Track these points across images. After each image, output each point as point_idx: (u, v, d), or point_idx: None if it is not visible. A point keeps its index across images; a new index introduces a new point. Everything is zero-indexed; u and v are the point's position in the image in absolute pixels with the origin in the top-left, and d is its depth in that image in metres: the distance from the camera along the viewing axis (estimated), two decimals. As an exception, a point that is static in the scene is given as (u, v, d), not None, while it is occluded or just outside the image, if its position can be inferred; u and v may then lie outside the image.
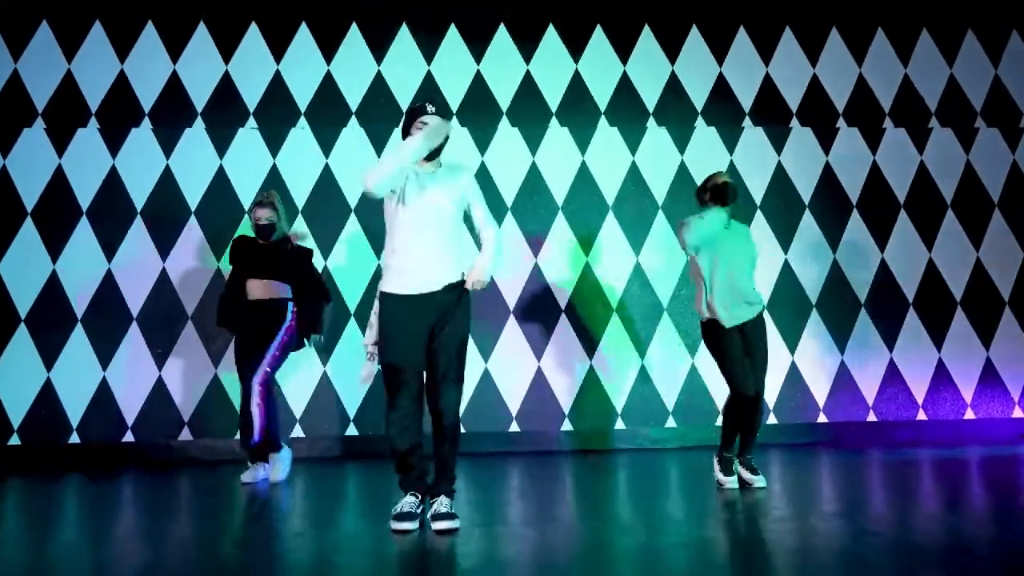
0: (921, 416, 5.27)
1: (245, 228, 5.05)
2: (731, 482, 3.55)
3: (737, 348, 3.53)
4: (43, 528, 2.99)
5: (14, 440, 4.83)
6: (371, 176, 2.73)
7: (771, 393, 5.20)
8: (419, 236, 2.81)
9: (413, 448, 2.80)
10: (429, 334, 2.80)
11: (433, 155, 2.90)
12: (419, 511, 2.80)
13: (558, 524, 2.87)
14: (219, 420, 4.91)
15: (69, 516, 3.30)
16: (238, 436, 4.15)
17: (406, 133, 2.92)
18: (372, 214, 5.16)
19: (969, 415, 5.29)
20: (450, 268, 2.85)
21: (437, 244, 2.82)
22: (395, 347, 2.79)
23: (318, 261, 4.98)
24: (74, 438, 4.86)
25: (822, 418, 5.23)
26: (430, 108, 2.88)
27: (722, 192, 3.56)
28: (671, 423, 5.15)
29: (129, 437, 4.89)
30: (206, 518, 3.16)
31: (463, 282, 2.87)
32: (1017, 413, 5.31)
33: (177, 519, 3.15)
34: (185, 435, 4.91)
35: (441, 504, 2.77)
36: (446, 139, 2.86)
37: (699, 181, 5.28)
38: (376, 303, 2.95)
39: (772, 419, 5.20)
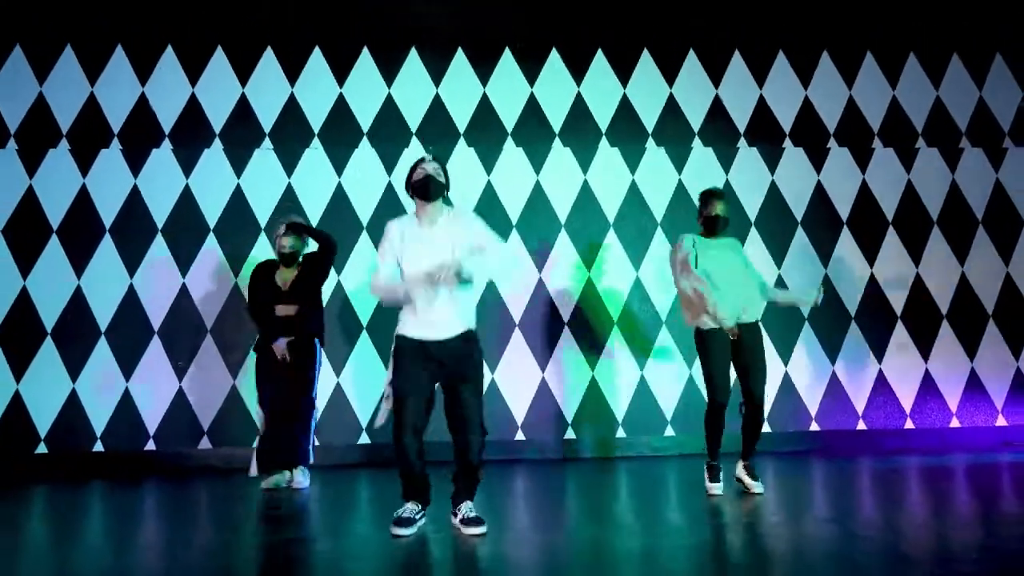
0: (909, 424, 5.51)
1: (264, 248, 5.29)
2: (717, 488, 3.74)
3: (724, 353, 3.73)
4: (71, 535, 3.20)
5: (41, 448, 5.05)
6: (375, 290, 3.10)
7: (766, 402, 5.41)
8: (428, 289, 2.97)
9: (422, 468, 3.01)
10: (438, 377, 3.00)
11: (434, 196, 3.05)
12: (419, 517, 3.00)
13: (565, 529, 3.10)
14: (237, 429, 5.12)
15: (96, 523, 3.51)
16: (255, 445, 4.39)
17: (409, 181, 3.10)
18: (382, 232, 5.36)
19: (955, 423, 5.53)
20: (462, 317, 3.02)
21: (446, 295, 2.97)
22: (405, 379, 2.96)
23: (330, 278, 5.19)
24: (98, 446, 5.08)
25: (814, 426, 5.46)
26: (428, 156, 3.11)
27: (712, 225, 3.81)
28: (670, 432, 5.37)
29: (151, 446, 5.10)
30: (229, 525, 3.38)
31: (471, 331, 3.06)
32: (1000, 422, 5.55)
33: (203, 526, 3.37)
34: (204, 444, 5.12)
35: (469, 509, 2.98)
36: (446, 182, 3.08)
37: (696, 199, 5.52)
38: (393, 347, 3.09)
39: (767, 427, 5.42)
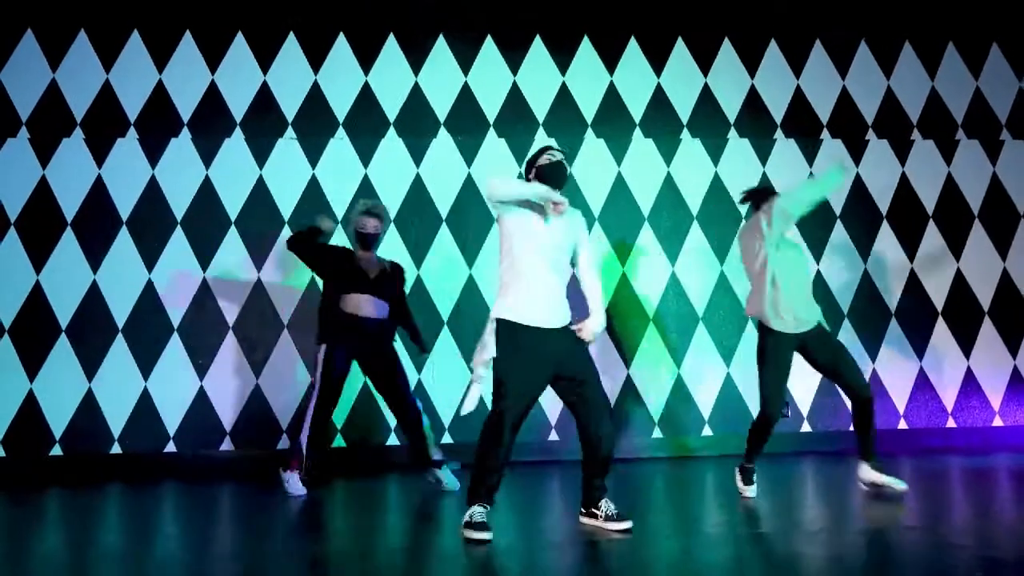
0: (951, 423, 5.37)
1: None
2: (750, 491, 3.65)
3: (785, 363, 3.59)
4: (88, 541, 3.01)
5: (56, 450, 4.83)
6: (499, 187, 2.94)
7: (804, 402, 5.28)
8: (545, 274, 2.98)
9: (504, 466, 2.92)
10: (553, 369, 2.95)
11: (561, 183, 3.07)
12: (487, 520, 2.88)
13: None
14: (261, 430, 4.92)
15: (114, 526, 3.32)
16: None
17: (533, 163, 3.10)
18: (409, 223, 5.20)
19: (997, 422, 5.40)
20: (567, 308, 3.07)
21: (558, 284, 3.03)
22: (519, 376, 2.89)
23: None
24: (115, 448, 4.87)
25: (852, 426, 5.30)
26: (556, 147, 3.14)
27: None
28: (707, 431, 5.22)
29: (171, 447, 4.90)
30: (257, 531, 3.20)
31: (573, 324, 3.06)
32: (1044, 420, 5.42)
33: (231, 528, 3.19)
34: (227, 445, 4.92)
35: (611, 507, 2.97)
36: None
37: (732, 192, 5.41)
38: (492, 324, 2.99)
39: (805, 426, 5.28)
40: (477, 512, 2.86)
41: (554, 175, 3.04)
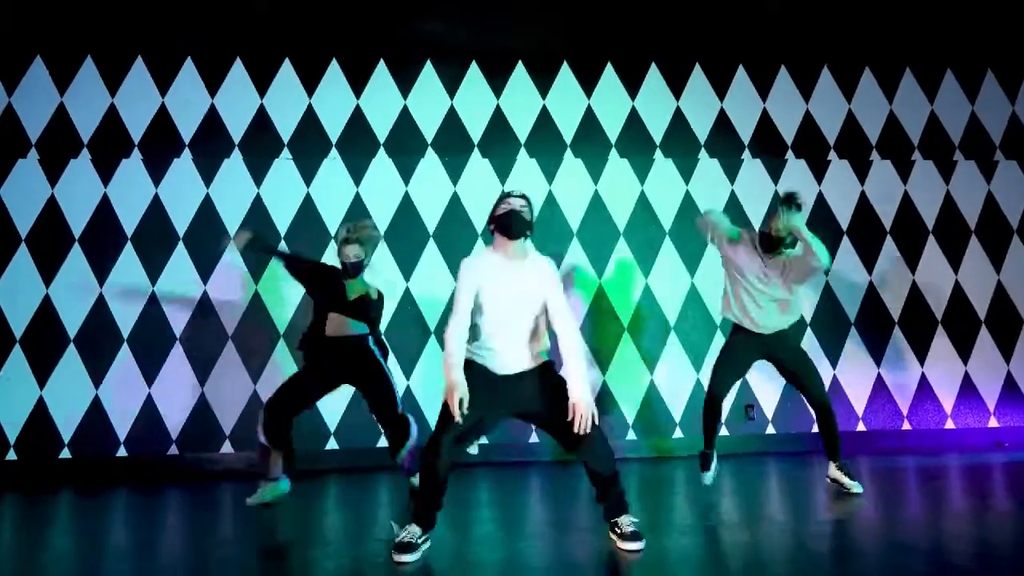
0: (906, 426, 5.74)
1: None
2: (707, 478, 3.94)
3: (740, 356, 3.93)
4: (100, 539, 3.31)
5: (65, 453, 5.13)
6: (450, 341, 2.84)
7: (769, 405, 5.64)
8: (506, 327, 2.90)
9: (444, 490, 2.87)
10: (511, 406, 2.94)
11: (517, 234, 2.93)
12: (422, 542, 2.82)
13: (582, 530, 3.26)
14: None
15: (123, 528, 3.62)
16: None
17: (493, 213, 2.99)
18: (399, 240, 5.53)
19: (949, 425, 5.77)
20: (535, 354, 2.97)
21: (522, 335, 2.92)
22: (470, 404, 2.77)
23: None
24: (121, 451, 5.17)
25: (815, 428, 5.65)
26: (516, 192, 3.00)
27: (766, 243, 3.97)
28: (679, 433, 5.56)
29: (174, 450, 5.20)
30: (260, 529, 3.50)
31: (549, 363, 3.00)
32: (992, 423, 5.79)
33: (236, 529, 3.49)
34: (227, 448, 5.23)
35: (626, 525, 2.88)
36: (531, 221, 2.97)
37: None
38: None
39: (770, 429, 5.64)
40: (411, 532, 2.82)
41: (508, 225, 2.90)
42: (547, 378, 2.97)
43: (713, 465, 3.97)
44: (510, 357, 2.92)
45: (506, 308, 2.90)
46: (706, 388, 3.99)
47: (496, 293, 2.90)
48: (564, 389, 2.84)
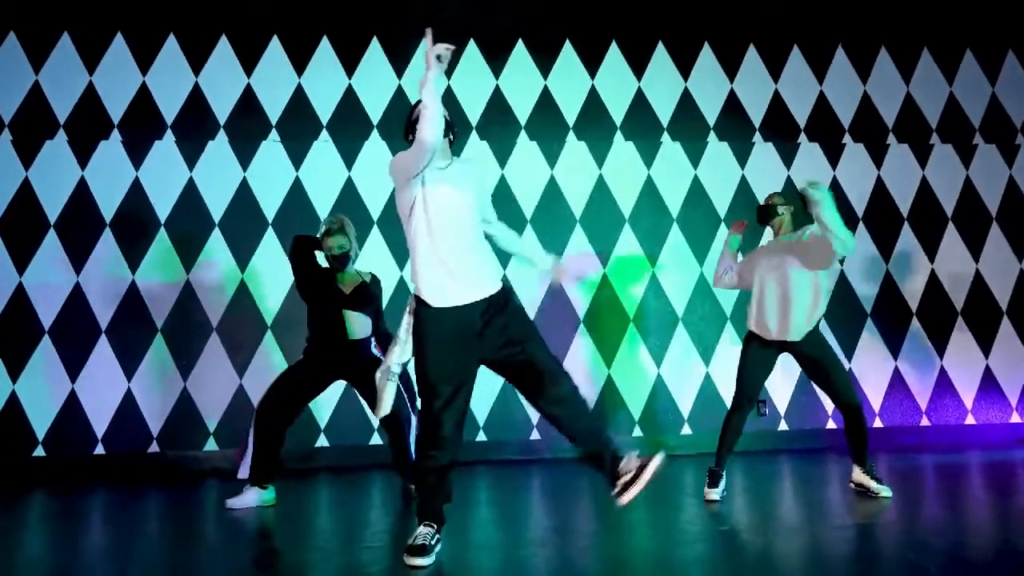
0: (925, 422, 5.48)
1: (272, 242, 5.13)
2: (713, 494, 3.62)
3: (759, 366, 3.67)
4: (75, 542, 3.05)
5: (39, 452, 4.85)
6: (427, 130, 2.49)
7: (782, 401, 5.38)
8: (447, 241, 2.63)
9: (450, 464, 2.64)
10: (481, 350, 2.64)
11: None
12: (435, 543, 2.58)
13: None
14: (245, 429, 4.94)
15: (99, 529, 3.36)
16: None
17: (409, 120, 2.80)
18: (393, 225, 5.25)
19: (970, 420, 5.51)
20: (490, 275, 2.71)
21: (469, 248, 2.68)
22: (440, 362, 2.58)
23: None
24: (99, 449, 4.89)
25: (831, 424, 5.41)
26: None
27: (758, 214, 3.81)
28: (687, 430, 5.30)
29: (154, 448, 4.92)
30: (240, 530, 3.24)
31: (506, 290, 2.72)
32: (1015, 419, 5.54)
33: (214, 531, 3.23)
34: (211, 446, 4.95)
35: (632, 459, 2.63)
36: (451, 130, 2.82)
37: (712, 194, 5.52)
38: (406, 317, 2.76)
39: (783, 425, 5.38)
40: (422, 534, 2.58)
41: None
42: (506, 308, 2.69)
43: (722, 484, 3.68)
44: (463, 284, 2.65)
45: (443, 219, 2.68)
46: (715, 383, 3.74)
47: (436, 188, 2.68)
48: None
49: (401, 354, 2.77)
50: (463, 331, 2.62)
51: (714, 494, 3.63)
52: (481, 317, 2.63)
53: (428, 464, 2.61)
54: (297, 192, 5.24)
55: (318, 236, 3.89)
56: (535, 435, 5.18)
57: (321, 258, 4.00)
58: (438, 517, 2.65)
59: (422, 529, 2.60)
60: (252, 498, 3.71)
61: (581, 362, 5.27)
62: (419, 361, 2.63)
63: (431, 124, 2.49)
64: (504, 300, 2.70)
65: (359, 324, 3.84)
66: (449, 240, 2.64)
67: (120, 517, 3.63)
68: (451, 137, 2.86)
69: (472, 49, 5.55)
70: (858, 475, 3.65)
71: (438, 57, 2.52)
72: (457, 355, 2.61)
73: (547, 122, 5.51)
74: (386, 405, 2.76)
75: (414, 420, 3.83)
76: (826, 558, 2.56)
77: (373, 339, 3.97)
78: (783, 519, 3.21)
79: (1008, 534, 2.79)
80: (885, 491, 3.55)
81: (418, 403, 2.78)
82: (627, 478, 2.59)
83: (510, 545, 2.87)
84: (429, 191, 2.66)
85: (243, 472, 3.75)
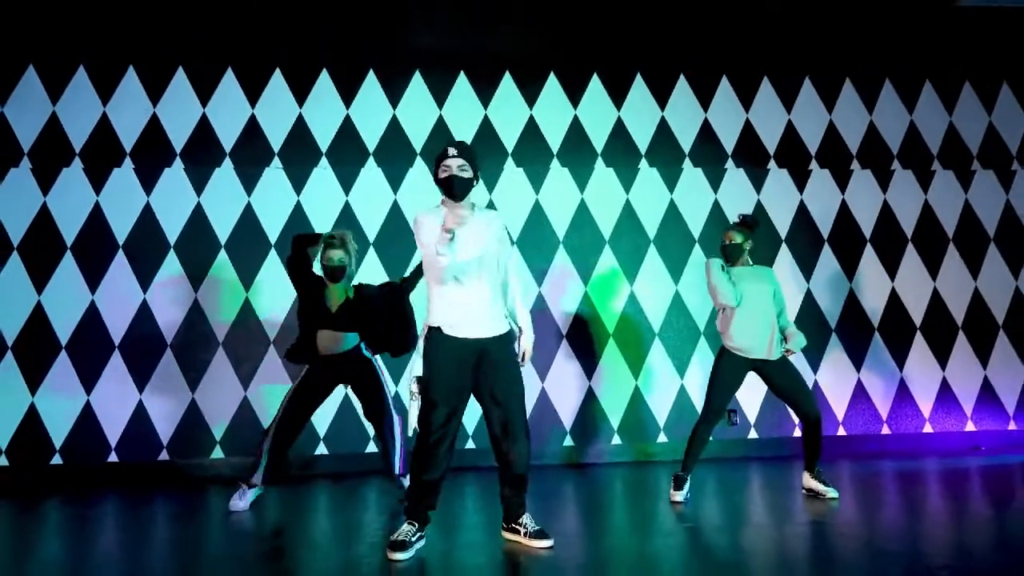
0: (885, 430, 5.86)
1: (274, 263, 5.47)
2: (678, 496, 3.98)
3: (733, 382, 4.03)
4: (88, 543, 3.38)
5: (56, 460, 5.18)
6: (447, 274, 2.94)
7: (752, 411, 5.74)
8: (464, 286, 2.97)
9: (441, 478, 3.00)
10: (475, 381, 3.00)
11: (461, 196, 2.99)
12: (415, 540, 2.94)
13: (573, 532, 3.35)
14: (249, 438, 5.29)
15: (112, 532, 3.69)
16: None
17: (435, 178, 3.09)
18: (388, 247, 5.61)
19: (928, 429, 5.89)
20: (502, 315, 3.06)
21: (482, 293, 2.98)
22: (443, 386, 2.93)
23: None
24: (112, 457, 5.22)
25: (797, 432, 5.77)
26: (452, 151, 3.00)
27: (726, 254, 4.13)
28: (663, 438, 5.66)
29: (164, 456, 5.26)
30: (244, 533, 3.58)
31: (510, 333, 3.09)
32: (970, 427, 5.92)
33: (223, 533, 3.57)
34: (217, 453, 5.29)
35: (533, 522, 3.05)
36: (474, 175, 3.04)
37: (687, 217, 5.88)
38: (422, 342, 3.05)
39: (753, 433, 5.74)
40: (405, 531, 2.93)
41: (447, 189, 3.00)
42: (509, 349, 3.03)
43: (686, 487, 4.03)
44: (480, 317, 3.00)
45: (461, 268, 2.97)
46: (689, 394, 4.07)
47: (447, 252, 2.91)
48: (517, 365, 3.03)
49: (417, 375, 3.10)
50: (464, 361, 2.97)
51: (679, 496, 3.98)
52: (480, 354, 2.99)
53: (422, 478, 2.98)
54: (298, 215, 5.60)
55: (320, 242, 4.14)
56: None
57: (316, 265, 4.31)
58: (422, 519, 3.02)
59: (405, 527, 2.95)
60: (250, 497, 4.07)
61: (563, 374, 5.63)
62: (427, 380, 2.98)
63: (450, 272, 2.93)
64: (502, 345, 3.02)
65: (344, 337, 4.11)
66: (468, 280, 2.98)
67: (133, 521, 3.96)
68: (475, 184, 3.09)
69: (462, 81, 5.92)
70: (808, 480, 4.02)
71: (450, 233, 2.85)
72: (456, 380, 2.97)
73: (532, 149, 5.88)
74: (412, 421, 3.08)
75: (397, 418, 4.22)
76: (778, 551, 2.92)
77: (363, 344, 4.23)
78: (741, 518, 3.56)
79: (932, 527, 3.15)
80: (832, 492, 3.92)
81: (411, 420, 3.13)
82: (518, 534, 3.05)
83: (494, 546, 3.21)
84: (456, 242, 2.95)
85: (257, 479, 4.08)
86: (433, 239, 2.92)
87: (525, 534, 3.02)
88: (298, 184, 5.65)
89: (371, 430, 5.36)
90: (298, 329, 4.20)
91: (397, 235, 5.66)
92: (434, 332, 3.00)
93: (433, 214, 3.04)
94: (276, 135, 5.70)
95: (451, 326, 2.97)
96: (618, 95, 6.04)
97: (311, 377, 4.15)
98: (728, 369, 4.02)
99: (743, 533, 3.26)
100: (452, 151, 2.99)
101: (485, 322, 3.01)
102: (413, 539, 2.93)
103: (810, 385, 5.80)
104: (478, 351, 3.00)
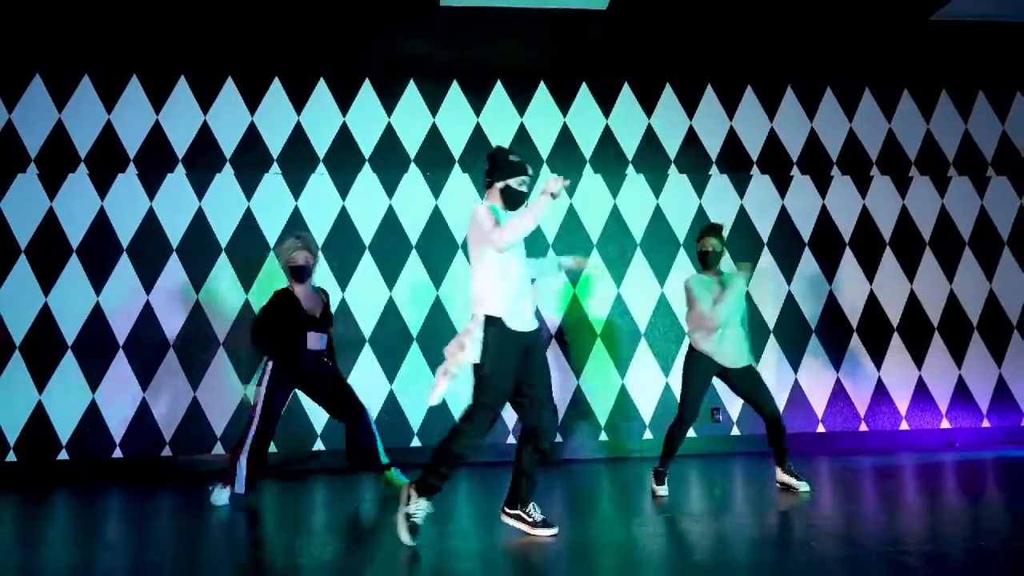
0: (863, 428, 6.07)
1: (272, 266, 5.67)
2: (662, 490, 4.17)
3: (704, 386, 4.22)
4: (93, 534, 3.58)
5: (63, 455, 5.37)
6: (509, 236, 2.98)
7: (735, 409, 5.95)
8: (525, 278, 3.17)
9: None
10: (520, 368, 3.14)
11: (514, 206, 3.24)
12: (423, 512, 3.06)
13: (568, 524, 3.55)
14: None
15: (115, 528, 3.88)
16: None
17: (496, 176, 3.27)
18: (383, 251, 5.81)
19: (904, 426, 6.11)
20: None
21: (529, 283, 3.21)
22: (507, 373, 3.05)
23: (335, 293, 5.63)
24: (117, 453, 5.41)
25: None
26: (530, 170, 3.31)
27: (703, 260, 4.30)
28: (648, 435, 5.86)
29: (167, 452, 5.45)
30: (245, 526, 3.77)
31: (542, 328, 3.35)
32: (944, 425, 6.14)
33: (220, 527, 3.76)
34: (218, 449, 5.48)
35: (538, 512, 3.18)
36: (528, 190, 3.30)
37: (672, 222, 6.08)
38: (474, 329, 3.05)
39: (736, 430, 5.95)
40: (424, 506, 3.02)
41: (516, 202, 3.23)
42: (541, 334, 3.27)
43: (665, 481, 4.23)
44: (531, 312, 3.21)
45: (520, 261, 3.20)
46: (674, 392, 4.22)
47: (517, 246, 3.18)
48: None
49: (465, 359, 3.08)
50: (518, 359, 3.11)
51: (661, 490, 4.19)
52: (527, 349, 3.15)
53: (460, 459, 3.05)
54: (296, 220, 5.79)
55: (290, 245, 4.33)
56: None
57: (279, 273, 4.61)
58: (434, 493, 3.09)
59: (423, 503, 3.02)
60: (228, 493, 4.21)
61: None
62: (484, 370, 3.04)
63: (522, 232, 3.01)
64: (540, 339, 3.25)
65: (318, 340, 4.38)
66: (525, 276, 3.19)
67: (137, 514, 4.16)
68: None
69: (455, 90, 6.12)
70: (780, 475, 4.22)
71: (552, 195, 3.04)
72: (510, 382, 3.10)
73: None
74: (437, 397, 3.11)
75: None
76: (748, 538, 3.12)
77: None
78: (717, 509, 3.77)
79: (906, 519, 3.36)
80: (803, 486, 4.13)
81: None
82: (523, 522, 3.18)
83: (488, 536, 3.41)
84: None
85: (239, 487, 4.19)
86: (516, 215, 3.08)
87: (532, 524, 3.12)
88: (296, 189, 5.84)
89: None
90: (272, 339, 4.30)
91: (391, 240, 5.85)
92: (496, 322, 3.06)
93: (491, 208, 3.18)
94: (275, 142, 5.89)
95: (511, 318, 3.07)
96: (606, 104, 6.24)
97: (285, 379, 4.32)
98: (696, 371, 4.20)
99: (719, 523, 3.46)
100: (530, 170, 3.34)
101: (531, 314, 3.19)
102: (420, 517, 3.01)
103: (790, 384, 6.02)
104: (526, 346, 3.13)
